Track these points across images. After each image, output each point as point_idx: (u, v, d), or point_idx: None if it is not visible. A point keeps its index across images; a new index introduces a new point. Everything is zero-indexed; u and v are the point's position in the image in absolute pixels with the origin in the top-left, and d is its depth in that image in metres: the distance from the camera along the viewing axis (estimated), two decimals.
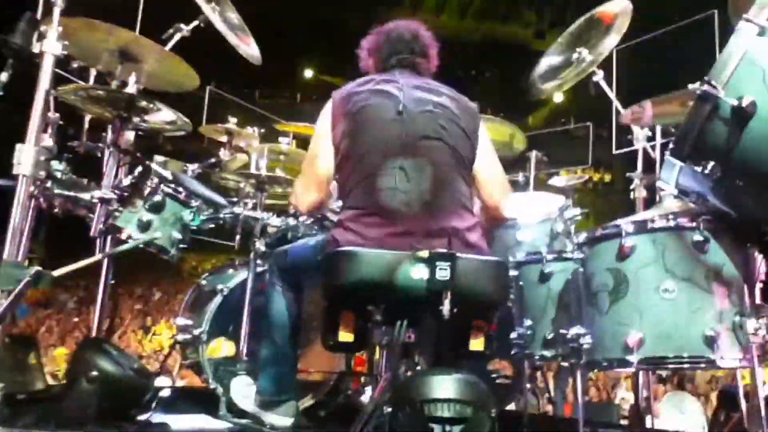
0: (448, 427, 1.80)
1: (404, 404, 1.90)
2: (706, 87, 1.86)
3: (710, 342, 2.16)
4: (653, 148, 3.15)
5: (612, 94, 3.13)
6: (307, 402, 3.45)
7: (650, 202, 3.10)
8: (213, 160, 3.17)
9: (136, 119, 2.56)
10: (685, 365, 2.25)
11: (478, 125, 2.37)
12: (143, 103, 2.50)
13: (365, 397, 3.37)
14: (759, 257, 2.26)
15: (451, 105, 2.31)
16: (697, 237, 2.23)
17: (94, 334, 3.07)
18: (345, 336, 2.16)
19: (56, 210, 2.41)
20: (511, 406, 3.75)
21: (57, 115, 2.15)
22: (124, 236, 2.54)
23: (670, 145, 2.04)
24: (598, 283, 2.39)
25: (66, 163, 2.37)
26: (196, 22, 2.89)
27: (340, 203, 2.41)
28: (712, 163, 1.92)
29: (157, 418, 2.66)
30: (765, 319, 2.15)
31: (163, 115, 2.60)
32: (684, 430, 4.78)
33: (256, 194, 3.29)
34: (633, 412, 3.42)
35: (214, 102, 6.12)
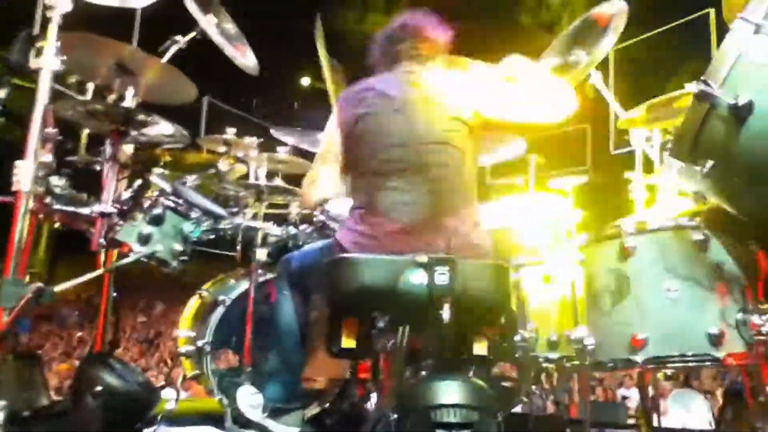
0: None
1: (410, 410, 1.91)
2: (702, 86, 1.86)
3: (714, 340, 2.16)
4: (651, 148, 3.15)
5: (609, 95, 3.14)
6: (312, 410, 3.44)
7: (650, 202, 3.10)
8: (212, 170, 3.17)
9: (134, 132, 2.56)
10: (690, 364, 2.24)
11: (466, 98, 2.32)
12: (141, 117, 2.51)
13: (370, 404, 3.36)
14: (761, 254, 2.26)
15: (445, 96, 2.32)
16: (698, 236, 2.23)
17: (97, 348, 3.06)
18: (348, 342, 2.17)
19: (56, 225, 2.42)
20: (518, 409, 3.73)
21: (56, 130, 2.15)
22: (125, 250, 2.54)
23: (669, 145, 2.05)
24: (601, 284, 2.40)
25: (65, 178, 2.37)
26: (192, 34, 2.89)
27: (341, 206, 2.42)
28: (710, 162, 1.92)
29: (163, 431, 2.65)
30: None
31: (161, 128, 2.61)
32: (691, 427, 4.77)
33: (256, 204, 3.29)
34: (640, 411, 3.41)
35: (213, 113, 6.13)
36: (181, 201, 2.72)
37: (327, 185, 2.42)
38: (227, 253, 3.44)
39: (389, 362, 2.37)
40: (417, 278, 2.05)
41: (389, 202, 2.20)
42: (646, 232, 2.31)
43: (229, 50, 2.90)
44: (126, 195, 2.62)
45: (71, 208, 2.32)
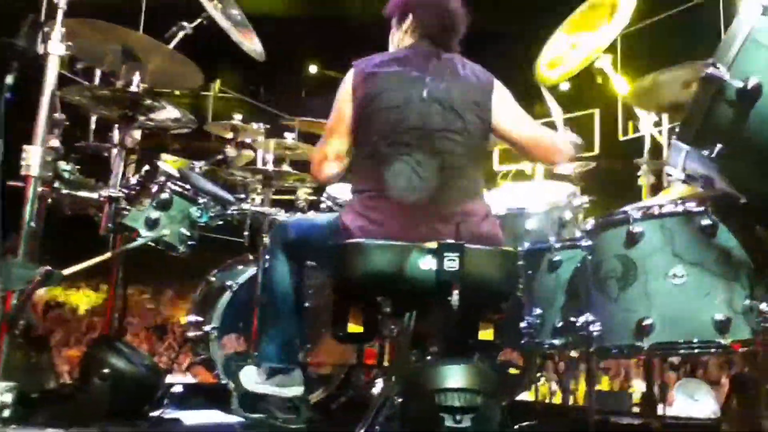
0: (458, 417, 1.81)
1: (415, 394, 1.92)
2: (710, 69, 1.84)
3: (721, 326, 2.15)
4: (660, 133, 3.13)
5: (618, 80, 3.12)
6: (319, 395, 3.47)
7: (657, 188, 3.09)
8: (219, 156, 3.18)
9: (141, 118, 2.57)
10: (696, 350, 2.23)
11: (490, 101, 2.34)
12: (148, 102, 2.52)
13: (376, 390, 3.38)
14: None
15: (465, 85, 2.31)
16: (706, 221, 2.22)
17: (106, 332, 3.09)
18: (354, 327, 2.18)
19: (66, 210, 2.43)
20: (525, 396, 3.75)
21: (63, 116, 2.16)
22: (132, 234, 2.56)
23: (677, 130, 2.03)
24: (607, 270, 2.38)
25: (74, 163, 2.38)
26: (199, 20, 2.89)
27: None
28: (719, 146, 1.90)
29: (170, 414, 2.68)
30: None
31: (168, 113, 2.61)
32: (696, 416, 4.77)
33: (264, 189, 3.30)
34: (645, 400, 3.41)
35: (221, 99, 6.14)
36: (188, 186, 2.73)
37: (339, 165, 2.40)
38: (235, 239, 3.45)
39: (396, 347, 2.38)
40: (426, 264, 2.05)
41: (398, 187, 2.18)
42: (653, 217, 2.30)
43: (235, 36, 2.89)
44: (134, 180, 2.63)
45: (80, 193, 2.34)
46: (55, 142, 2.15)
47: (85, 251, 2.59)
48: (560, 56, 3.04)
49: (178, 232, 2.67)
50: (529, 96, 2.81)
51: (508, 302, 2.35)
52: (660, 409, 3.20)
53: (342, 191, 3.27)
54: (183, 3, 2.89)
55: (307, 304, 2.76)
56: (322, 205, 3.42)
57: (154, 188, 2.62)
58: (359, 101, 2.27)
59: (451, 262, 2.04)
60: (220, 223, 3.23)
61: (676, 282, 2.22)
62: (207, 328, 3.31)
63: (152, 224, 2.58)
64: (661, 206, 2.32)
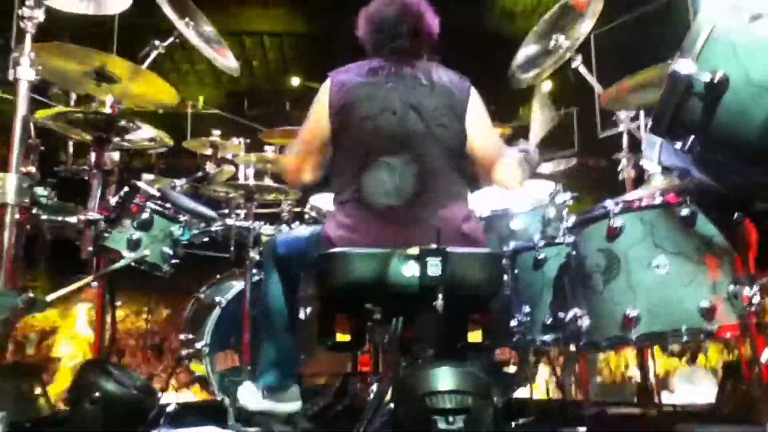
0: (451, 418, 1.81)
1: (406, 399, 1.92)
2: (677, 63, 1.86)
3: (706, 313, 2.17)
4: (638, 128, 3.15)
5: (592, 79, 3.14)
6: (315, 406, 3.46)
7: (639, 181, 3.10)
8: (200, 173, 3.17)
9: (116, 139, 2.57)
10: (684, 338, 2.25)
11: (466, 106, 2.35)
12: (122, 123, 2.51)
13: (371, 396, 3.37)
14: (749, 225, 2.26)
15: (441, 91, 2.31)
16: (685, 211, 2.24)
17: (96, 355, 3.08)
18: (342, 336, 2.18)
19: (47, 236, 2.42)
20: (524, 394, 3.75)
21: (38, 141, 2.15)
22: (114, 256, 2.55)
23: (649, 123, 2.05)
24: (591, 264, 2.40)
25: (51, 188, 2.38)
26: (171, 39, 2.89)
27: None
28: (691, 138, 1.92)
29: None
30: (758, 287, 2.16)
31: (143, 133, 2.61)
32: (693, 402, 4.79)
33: (246, 204, 3.30)
34: (641, 389, 3.43)
35: (203, 117, 6.13)
36: (168, 205, 2.73)
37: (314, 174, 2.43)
38: (221, 255, 3.45)
39: (385, 354, 2.38)
40: (409, 270, 2.06)
41: (377, 194, 2.19)
42: (632, 210, 2.32)
43: (208, 52, 2.89)
44: (113, 201, 2.62)
45: (58, 218, 2.33)
46: (31, 168, 2.14)
47: (70, 275, 2.59)
48: (534, 57, 3.07)
49: (160, 251, 2.66)
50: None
51: (494, 303, 2.35)
52: (659, 397, 3.21)
53: (325, 202, 3.28)
54: (155, 23, 2.89)
55: (300, 316, 2.76)
56: (306, 217, 3.43)
57: (134, 209, 2.62)
58: (336, 112, 2.29)
59: (434, 267, 2.04)
60: (206, 239, 3.23)
61: (660, 272, 2.24)
62: (198, 345, 3.31)
63: (134, 245, 2.57)
64: (639, 199, 2.33)
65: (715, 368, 6.25)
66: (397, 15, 2.38)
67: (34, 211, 2.24)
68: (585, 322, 2.42)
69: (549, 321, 2.77)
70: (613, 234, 2.32)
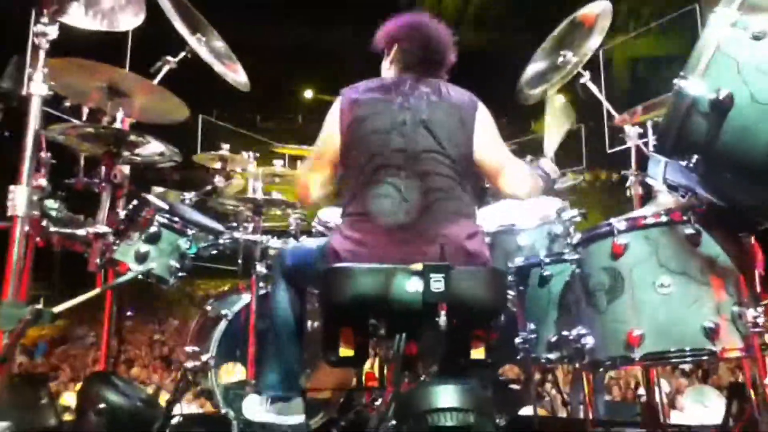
0: None
1: (408, 416, 1.92)
2: (681, 82, 1.87)
3: (710, 334, 2.15)
4: (646, 145, 3.15)
5: (600, 95, 3.15)
6: (319, 420, 3.46)
7: (646, 199, 3.10)
8: (209, 187, 3.21)
9: (126, 153, 2.60)
10: (688, 358, 2.24)
11: (474, 121, 2.37)
12: (132, 137, 2.55)
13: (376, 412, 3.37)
14: (755, 245, 2.25)
15: (450, 107, 2.34)
16: (689, 230, 2.23)
17: (102, 367, 3.10)
18: (345, 351, 2.19)
19: (55, 248, 2.45)
20: (529, 411, 3.73)
21: (49, 154, 2.19)
22: (122, 269, 2.58)
23: (654, 141, 2.06)
24: (595, 282, 2.40)
25: (61, 200, 2.41)
26: (183, 54, 2.94)
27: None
28: (696, 157, 1.92)
29: None
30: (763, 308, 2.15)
31: (153, 148, 2.65)
32: (706, 423, 4.73)
33: (254, 217, 3.32)
34: (647, 409, 3.40)
35: (214, 130, 6.19)
36: (176, 218, 2.75)
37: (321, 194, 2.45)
38: (229, 267, 3.47)
39: (388, 369, 2.39)
40: (412, 286, 2.07)
41: (384, 209, 2.21)
42: (637, 228, 2.31)
43: (219, 68, 2.94)
44: (122, 214, 2.65)
45: (68, 230, 2.36)
46: (42, 181, 2.17)
47: (79, 286, 2.61)
48: (542, 73, 3.08)
49: (167, 264, 2.69)
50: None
51: (498, 320, 2.36)
52: (667, 417, 3.18)
53: (333, 215, 3.30)
54: (167, 38, 2.93)
55: (306, 329, 2.77)
56: (314, 230, 3.45)
57: (143, 222, 2.65)
58: (346, 127, 2.32)
59: (437, 283, 2.05)
60: (214, 252, 3.25)
61: (664, 292, 2.23)
62: (204, 357, 3.32)
63: (142, 258, 2.60)
64: (644, 217, 2.33)
65: (726, 387, 6.18)
66: (422, 34, 2.45)
67: (43, 223, 2.27)
68: (589, 341, 2.41)
69: (554, 338, 2.76)
70: (618, 252, 2.31)
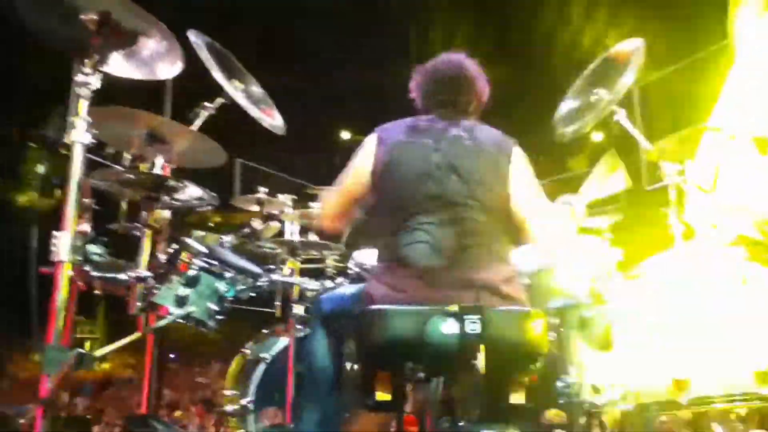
0: None
1: None
2: None
3: (762, 377, 2.09)
4: (684, 181, 3.09)
5: (635, 131, 3.11)
6: None
7: (688, 235, 3.02)
8: (247, 230, 3.25)
9: (165, 198, 2.65)
10: (737, 403, 2.16)
11: (509, 166, 2.36)
12: (171, 183, 2.60)
13: None
14: None
15: (483, 151, 2.34)
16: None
17: (143, 409, 3.12)
18: (382, 395, 2.16)
19: (97, 292, 2.50)
20: None
21: (92, 200, 2.25)
22: (162, 312, 2.60)
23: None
24: (639, 323, 2.34)
25: (103, 245, 2.46)
26: (220, 100, 3.01)
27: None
28: None
29: None
30: None
31: (191, 192, 2.70)
32: None
33: (292, 259, 3.34)
34: None
35: (253, 172, 6.29)
36: (215, 261, 2.78)
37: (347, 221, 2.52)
38: (267, 310, 3.48)
39: (426, 414, 2.35)
40: (448, 328, 2.04)
41: (418, 255, 2.20)
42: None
43: (255, 113, 2.99)
44: (163, 258, 2.69)
45: (109, 275, 2.40)
46: (84, 226, 2.23)
47: (125, 330, 2.65)
48: (576, 110, 3.07)
49: (206, 307, 2.71)
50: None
51: (538, 363, 2.30)
52: None
53: (368, 257, 3.29)
54: (206, 84, 3.01)
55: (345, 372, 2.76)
56: (350, 272, 3.45)
57: (182, 266, 2.68)
58: (378, 169, 2.33)
59: (473, 325, 2.03)
60: (253, 295, 3.26)
61: (711, 334, 2.17)
62: (243, 401, 3.32)
63: (181, 301, 2.62)
64: (687, 257, 2.28)
65: None
66: (452, 74, 2.47)
67: (86, 268, 2.31)
68: (633, 384, 2.35)
69: (597, 382, 2.69)
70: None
